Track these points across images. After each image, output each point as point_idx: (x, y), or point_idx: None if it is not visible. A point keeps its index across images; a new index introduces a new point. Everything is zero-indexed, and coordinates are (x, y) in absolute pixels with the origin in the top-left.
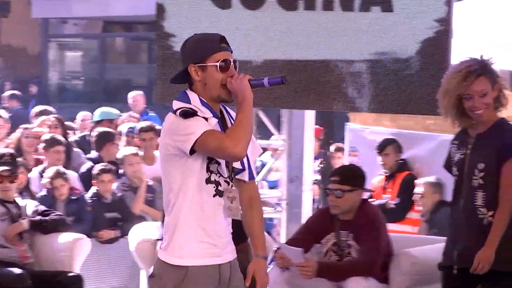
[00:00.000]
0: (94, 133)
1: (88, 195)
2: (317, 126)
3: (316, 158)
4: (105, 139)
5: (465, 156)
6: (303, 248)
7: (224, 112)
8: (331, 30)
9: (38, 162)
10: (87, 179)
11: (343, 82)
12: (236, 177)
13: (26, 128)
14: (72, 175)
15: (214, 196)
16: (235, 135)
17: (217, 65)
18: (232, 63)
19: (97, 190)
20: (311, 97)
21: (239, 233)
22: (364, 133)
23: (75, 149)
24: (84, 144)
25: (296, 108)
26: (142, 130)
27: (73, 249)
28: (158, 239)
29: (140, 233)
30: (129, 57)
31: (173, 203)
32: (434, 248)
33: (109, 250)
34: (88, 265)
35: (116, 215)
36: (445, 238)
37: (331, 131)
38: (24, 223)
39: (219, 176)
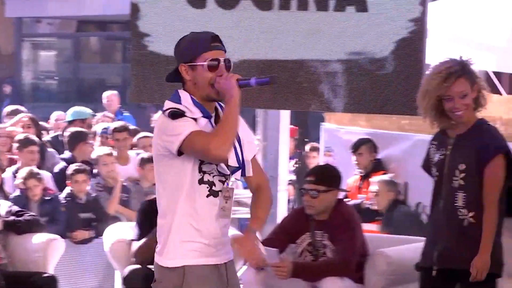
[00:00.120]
0: (67, 133)
1: (62, 196)
2: (292, 126)
3: (291, 158)
4: (78, 139)
5: (445, 157)
6: (278, 248)
7: (220, 110)
8: (306, 30)
9: (12, 162)
10: (60, 179)
11: (319, 82)
12: (233, 176)
13: None
14: (46, 175)
15: (207, 196)
16: (218, 137)
17: (204, 65)
18: (222, 62)
19: (71, 190)
20: (287, 97)
21: None
22: (339, 133)
23: (49, 149)
24: (57, 144)
25: (272, 108)
26: (116, 130)
27: (47, 249)
28: (132, 240)
29: (115, 233)
30: (103, 56)
31: (166, 204)
32: (409, 248)
33: (83, 250)
34: (62, 266)
35: (91, 216)
36: (419, 238)
37: (306, 131)
38: None
39: (213, 176)
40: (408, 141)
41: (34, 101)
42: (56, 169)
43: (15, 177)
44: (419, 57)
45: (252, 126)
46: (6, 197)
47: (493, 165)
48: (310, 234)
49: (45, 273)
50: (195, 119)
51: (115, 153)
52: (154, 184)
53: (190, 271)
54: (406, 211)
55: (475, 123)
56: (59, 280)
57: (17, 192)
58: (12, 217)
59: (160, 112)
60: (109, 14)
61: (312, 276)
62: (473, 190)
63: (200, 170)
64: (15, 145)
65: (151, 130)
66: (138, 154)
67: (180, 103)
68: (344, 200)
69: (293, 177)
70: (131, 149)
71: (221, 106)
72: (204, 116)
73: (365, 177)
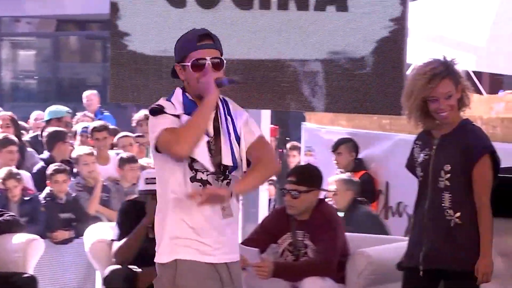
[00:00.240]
0: (45, 133)
1: (42, 196)
2: (273, 126)
3: None
4: (56, 139)
5: (430, 157)
6: (259, 248)
7: (220, 106)
8: (286, 29)
9: None
10: (39, 179)
11: (299, 81)
12: (232, 174)
13: None
14: (25, 175)
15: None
16: (179, 135)
17: (188, 65)
18: (208, 62)
19: (51, 190)
20: (267, 96)
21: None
22: (320, 132)
23: (29, 149)
24: (36, 144)
25: (252, 108)
26: (95, 129)
27: (27, 250)
28: (113, 240)
29: (95, 233)
30: (83, 56)
31: (160, 201)
32: (390, 247)
33: (63, 251)
34: (42, 266)
35: (71, 216)
36: (402, 238)
37: (286, 130)
38: None
39: (207, 175)
40: (389, 140)
41: (13, 100)
42: (35, 169)
43: None
44: (400, 57)
45: None
46: None
47: (481, 165)
48: (291, 234)
49: (25, 273)
50: (177, 116)
51: (95, 152)
52: (134, 184)
53: (182, 264)
54: (367, 212)
55: (460, 123)
56: (39, 280)
57: None
58: None
59: (140, 112)
60: (89, 13)
61: (293, 276)
62: (459, 191)
63: (191, 168)
64: None
65: (132, 130)
66: (118, 154)
67: (170, 100)
68: (325, 200)
69: (274, 177)
70: (111, 148)
71: (225, 102)
72: (186, 113)
73: None
